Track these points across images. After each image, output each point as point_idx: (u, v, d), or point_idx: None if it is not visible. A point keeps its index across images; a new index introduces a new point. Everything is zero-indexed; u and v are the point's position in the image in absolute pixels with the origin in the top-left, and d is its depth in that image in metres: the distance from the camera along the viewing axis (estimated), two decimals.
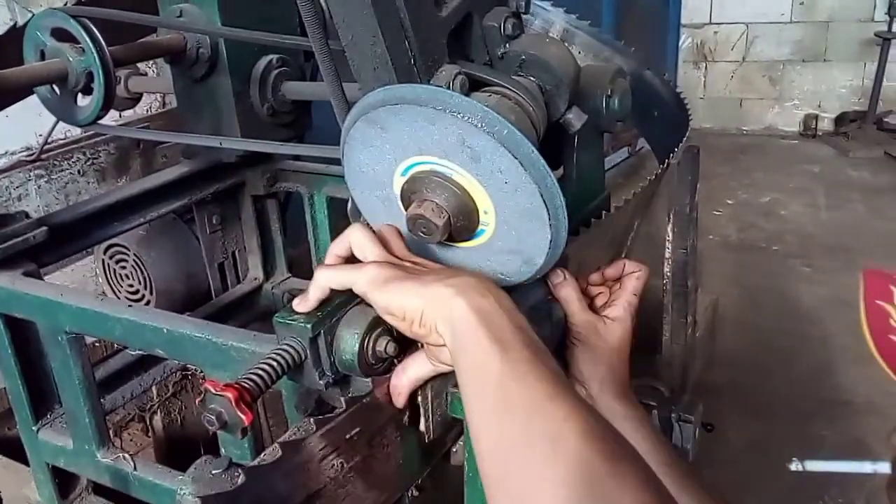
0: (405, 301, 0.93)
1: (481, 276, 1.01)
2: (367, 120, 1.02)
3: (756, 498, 2.82)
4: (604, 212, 1.48)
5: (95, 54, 1.50)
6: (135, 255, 2.00)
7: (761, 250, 5.07)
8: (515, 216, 1.02)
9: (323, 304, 1.00)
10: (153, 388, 2.46)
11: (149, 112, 2.61)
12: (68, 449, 1.56)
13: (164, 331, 1.27)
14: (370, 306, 1.03)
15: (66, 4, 1.57)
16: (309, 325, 0.97)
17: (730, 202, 5.84)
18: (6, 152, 2.22)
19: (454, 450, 1.21)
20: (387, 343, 1.00)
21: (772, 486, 2.89)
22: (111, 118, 2.33)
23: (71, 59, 1.51)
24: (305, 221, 2.08)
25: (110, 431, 1.68)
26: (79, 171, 2.24)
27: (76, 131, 2.28)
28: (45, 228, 1.52)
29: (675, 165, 1.87)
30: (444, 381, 1.05)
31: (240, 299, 2.13)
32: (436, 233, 1.02)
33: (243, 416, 0.88)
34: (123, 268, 2.05)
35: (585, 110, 1.43)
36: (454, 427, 1.12)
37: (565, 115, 1.22)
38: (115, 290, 2.10)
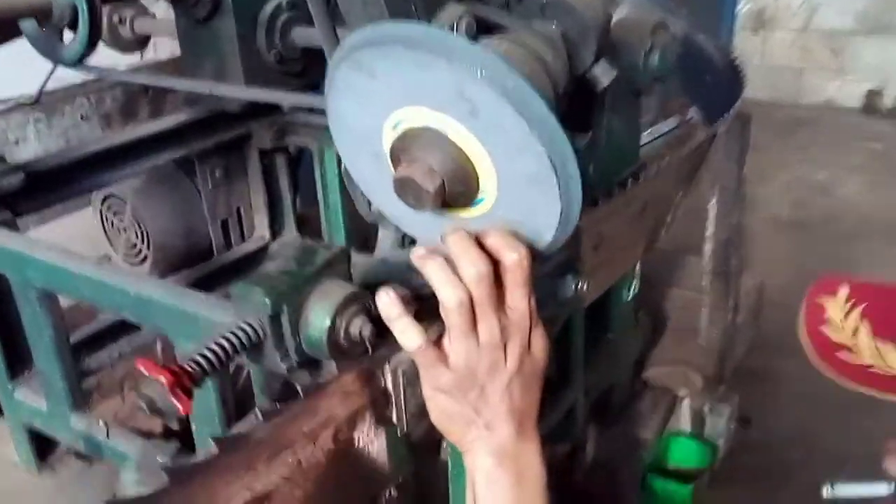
0: (444, 425, 0.84)
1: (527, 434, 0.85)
2: (352, 63, 0.86)
3: (796, 488, 2.65)
4: (630, 180, 1.31)
5: None
6: (132, 206, 1.88)
7: (814, 229, 4.79)
8: (520, 183, 0.85)
9: (290, 273, 0.86)
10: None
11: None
12: (43, 411, 1.46)
13: (131, 293, 1.14)
14: (348, 280, 0.89)
15: None
16: (269, 300, 0.83)
17: (783, 177, 5.55)
18: (8, 99, 2.09)
19: (444, 444, 1.06)
20: (362, 324, 0.86)
21: (812, 477, 2.70)
22: (118, 62, 2.20)
23: None
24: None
25: (96, 394, 1.59)
26: (82, 117, 2.11)
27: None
28: (21, 175, 1.40)
29: (722, 135, 1.68)
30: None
31: (244, 258, 2.00)
32: (426, 199, 0.86)
33: (178, 404, 0.74)
34: (121, 220, 1.93)
35: (620, 66, 1.25)
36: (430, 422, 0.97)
37: (591, 69, 1.05)
38: (114, 244, 1.99)
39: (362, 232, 1.98)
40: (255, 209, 2.02)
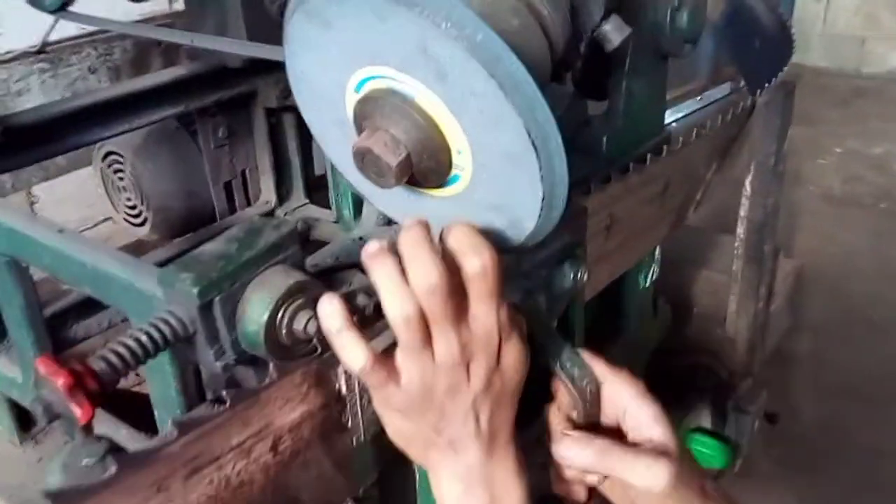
0: (401, 444, 0.74)
1: (502, 458, 0.74)
2: (306, 12, 0.74)
3: (828, 479, 2.51)
4: (649, 155, 1.16)
5: None
6: (131, 165, 1.79)
7: (866, 207, 4.53)
8: (497, 160, 0.73)
9: (226, 257, 0.75)
10: None
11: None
12: (18, 382, 1.39)
13: (88, 266, 1.05)
14: (296, 269, 0.77)
15: None
16: (196, 289, 0.72)
17: (837, 150, 5.25)
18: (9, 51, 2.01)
19: None
20: (308, 320, 0.74)
21: (846, 468, 2.56)
22: (130, 12, 2.10)
23: None
24: None
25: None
26: (89, 68, 2.03)
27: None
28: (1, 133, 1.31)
29: (762, 106, 1.51)
30: None
31: None
32: (389, 175, 0.74)
33: (78, 410, 0.64)
34: (121, 179, 1.84)
35: (643, 25, 1.11)
36: None
37: (601, 25, 0.90)
38: (115, 204, 1.90)
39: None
40: (261, 172, 1.91)
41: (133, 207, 1.86)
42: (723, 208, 1.91)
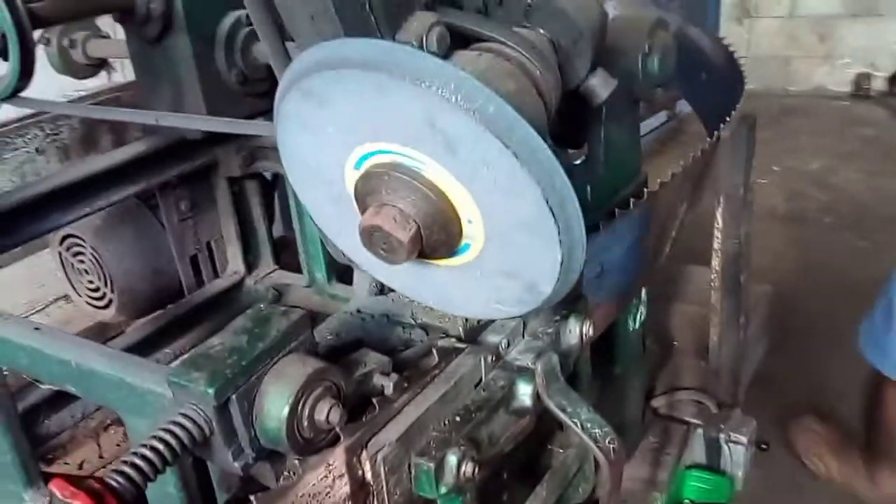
0: None
1: None
2: (302, 91, 0.72)
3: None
4: (632, 200, 1.17)
5: (7, 12, 1.21)
6: (91, 247, 1.73)
7: (812, 222, 4.66)
8: (511, 228, 0.71)
9: (239, 351, 0.72)
10: None
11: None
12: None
13: (73, 364, 0.99)
14: (311, 355, 0.74)
15: None
16: (212, 389, 0.68)
17: (776, 169, 5.40)
18: None
19: None
20: (330, 408, 0.71)
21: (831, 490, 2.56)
22: (78, 87, 2.05)
23: None
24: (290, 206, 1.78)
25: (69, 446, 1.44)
26: (37, 150, 1.96)
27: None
28: None
29: (726, 139, 1.54)
30: (402, 450, 0.76)
31: (218, 296, 1.85)
32: (400, 250, 0.72)
33: None
34: (82, 262, 1.78)
35: (615, 73, 1.11)
36: None
37: (588, 80, 0.90)
38: (76, 287, 1.83)
39: (345, 263, 1.85)
40: (227, 242, 1.87)
41: (96, 290, 1.80)
42: (687, 242, 1.93)
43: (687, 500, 1.70)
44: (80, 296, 1.85)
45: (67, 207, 1.46)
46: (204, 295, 1.83)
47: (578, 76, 0.89)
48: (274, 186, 1.96)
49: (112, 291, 1.77)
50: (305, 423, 0.70)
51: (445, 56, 0.78)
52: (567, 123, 1.20)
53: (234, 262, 1.89)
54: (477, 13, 0.86)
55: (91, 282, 1.79)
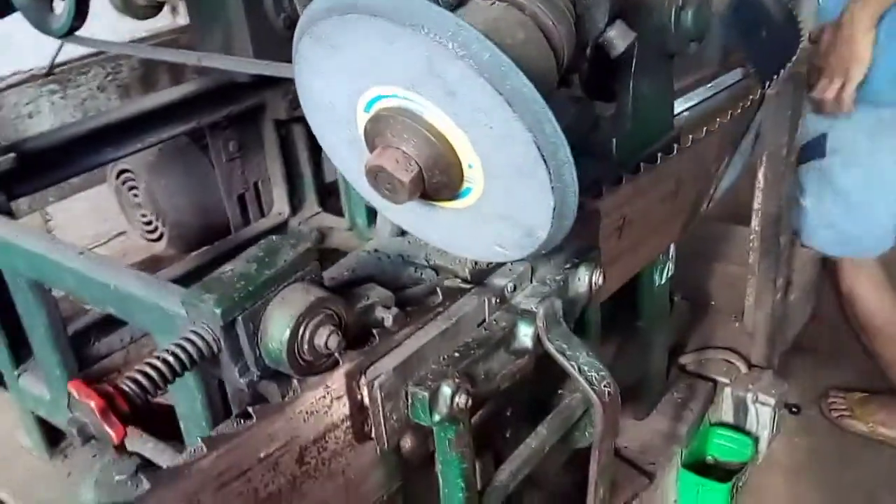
0: None
1: None
2: (314, 36, 0.75)
3: (855, 472, 2.46)
4: (660, 155, 1.17)
5: None
6: (145, 182, 1.81)
7: None
8: (507, 172, 0.74)
9: (247, 277, 0.77)
10: None
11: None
12: (46, 399, 1.41)
13: (111, 287, 1.07)
14: (315, 285, 0.79)
15: None
16: (219, 310, 0.73)
17: None
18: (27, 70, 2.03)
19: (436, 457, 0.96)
20: (329, 334, 0.76)
21: (871, 464, 2.50)
22: (136, 29, 2.13)
23: None
24: None
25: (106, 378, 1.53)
26: (98, 87, 2.05)
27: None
28: (11, 156, 1.33)
29: (772, 96, 1.51)
30: (399, 379, 0.81)
31: (262, 235, 1.89)
32: (402, 191, 0.76)
33: (111, 431, 0.66)
34: (136, 196, 1.87)
35: (648, 27, 1.11)
36: (421, 433, 0.87)
37: (605, 32, 0.91)
38: (130, 219, 1.93)
39: None
40: (273, 183, 1.93)
41: (149, 223, 1.89)
42: (733, 199, 1.90)
43: (710, 457, 1.72)
44: (133, 228, 1.95)
45: (121, 142, 1.53)
46: (249, 233, 1.91)
47: (597, 28, 0.90)
48: None
49: (164, 225, 1.85)
50: (306, 347, 0.75)
51: (461, 3, 0.80)
52: (601, 76, 1.20)
53: (280, 203, 1.96)
54: None
55: (144, 215, 1.89)
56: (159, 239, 1.89)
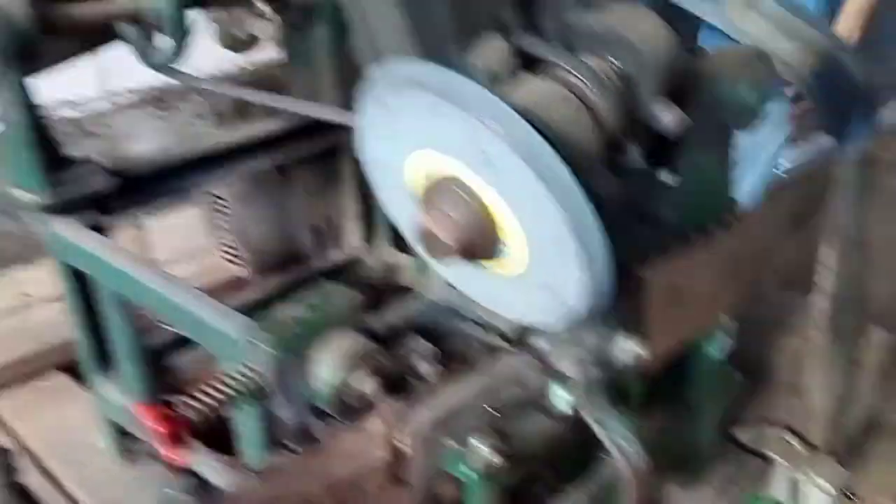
0: None
1: None
2: (374, 98, 0.82)
3: None
4: (716, 226, 1.18)
5: None
6: (232, 209, 1.92)
7: None
8: (545, 243, 0.78)
9: (301, 321, 0.83)
10: None
11: None
12: (122, 407, 1.50)
13: (185, 310, 1.14)
14: (364, 335, 0.84)
15: None
16: (274, 351, 0.80)
17: None
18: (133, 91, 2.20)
19: None
20: (373, 382, 0.81)
21: None
22: (232, 61, 2.25)
23: None
24: None
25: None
26: (197, 114, 2.19)
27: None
28: (116, 179, 1.45)
29: (842, 171, 1.49)
30: (437, 431, 0.85)
31: (335, 267, 2.00)
32: (446, 253, 0.80)
33: (172, 454, 0.73)
34: (222, 220, 1.98)
35: (705, 100, 1.13)
36: (455, 484, 0.91)
37: (654, 109, 0.94)
38: (215, 241, 2.04)
39: None
40: (349, 217, 2.01)
41: (232, 247, 1.99)
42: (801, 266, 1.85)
43: None
44: (217, 249, 2.06)
45: (215, 170, 1.64)
46: (323, 264, 1.99)
47: (644, 103, 0.93)
48: None
49: (246, 250, 1.96)
50: (350, 392, 0.81)
51: (512, 76, 0.85)
52: (658, 146, 1.23)
53: (353, 237, 2.03)
54: (546, 40, 0.91)
55: (228, 239, 1.99)
56: (240, 262, 1.99)
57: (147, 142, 2.05)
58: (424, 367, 0.88)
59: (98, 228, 1.44)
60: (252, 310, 1.82)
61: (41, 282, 2.00)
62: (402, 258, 2.05)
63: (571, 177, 0.70)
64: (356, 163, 1.91)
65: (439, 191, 0.81)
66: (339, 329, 0.84)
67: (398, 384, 0.86)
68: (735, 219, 1.24)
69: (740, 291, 1.34)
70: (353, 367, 0.81)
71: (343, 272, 2.03)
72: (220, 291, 1.90)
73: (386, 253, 2.07)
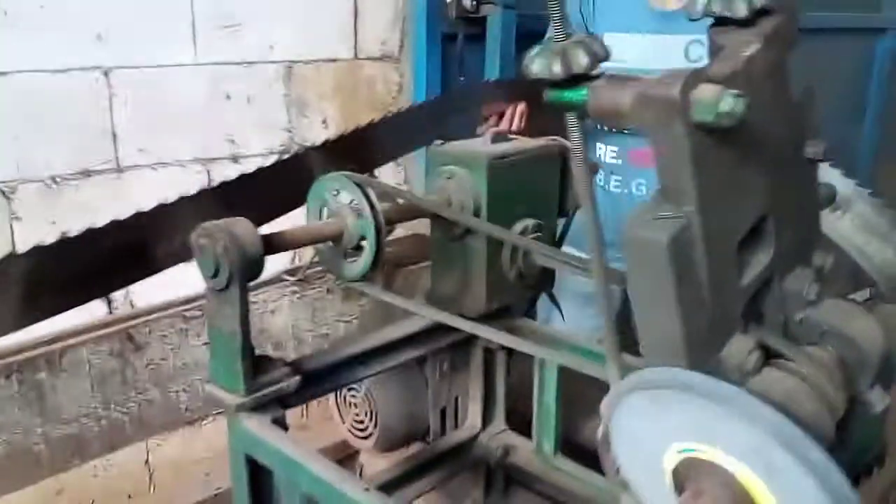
0: None
1: None
2: (648, 395, 0.96)
3: None
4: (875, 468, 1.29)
5: (372, 220, 1.56)
6: (366, 390, 2.05)
7: None
8: None
9: None
10: None
11: None
12: None
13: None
14: None
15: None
16: None
17: None
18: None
19: None
20: None
21: None
22: None
23: (349, 221, 1.58)
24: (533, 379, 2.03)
25: None
26: (327, 290, 2.36)
27: None
28: (298, 378, 1.58)
29: None
30: None
31: (455, 445, 2.11)
32: None
33: None
34: (353, 398, 2.11)
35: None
36: None
37: (866, 393, 1.08)
38: (343, 416, 2.16)
39: (572, 433, 2.07)
40: (471, 399, 2.13)
41: (361, 422, 2.11)
42: None
43: None
44: (343, 423, 2.17)
45: (370, 364, 1.78)
46: (445, 443, 2.10)
47: (859, 391, 1.07)
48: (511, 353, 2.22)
49: (375, 427, 2.07)
50: None
51: (758, 372, 0.99)
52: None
53: (473, 417, 2.15)
54: (780, 333, 1.07)
55: (357, 415, 2.11)
56: (367, 438, 2.10)
57: (286, 316, 2.20)
58: None
59: (278, 421, 1.57)
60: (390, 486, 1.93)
61: None
62: (516, 438, 2.16)
63: (844, 478, 0.82)
64: (485, 350, 2.08)
65: (704, 475, 0.93)
66: None
67: None
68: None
69: None
70: None
71: (461, 451, 2.14)
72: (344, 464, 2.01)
73: (501, 433, 2.19)
